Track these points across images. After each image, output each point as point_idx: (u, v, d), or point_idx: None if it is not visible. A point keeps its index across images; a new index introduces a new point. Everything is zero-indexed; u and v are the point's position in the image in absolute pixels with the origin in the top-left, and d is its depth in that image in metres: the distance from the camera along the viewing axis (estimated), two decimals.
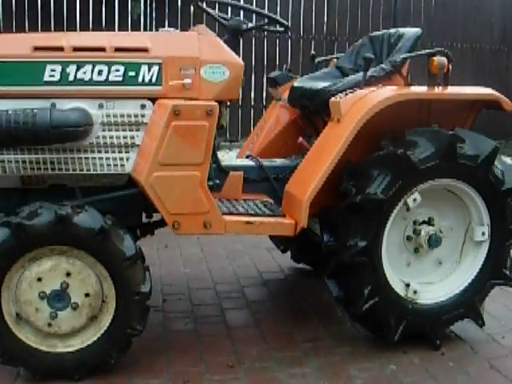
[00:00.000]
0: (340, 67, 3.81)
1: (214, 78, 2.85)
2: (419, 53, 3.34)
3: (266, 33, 8.87)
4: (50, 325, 2.72)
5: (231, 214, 3.00)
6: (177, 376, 2.87)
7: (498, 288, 3.38)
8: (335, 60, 4.02)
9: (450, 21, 9.78)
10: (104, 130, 2.80)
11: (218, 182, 3.21)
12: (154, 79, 2.80)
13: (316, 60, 4.13)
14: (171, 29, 3.21)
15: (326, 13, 9.37)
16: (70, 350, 2.78)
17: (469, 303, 3.19)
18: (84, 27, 8.15)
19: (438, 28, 9.74)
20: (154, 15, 8.41)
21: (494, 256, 3.18)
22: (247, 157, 3.63)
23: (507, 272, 3.21)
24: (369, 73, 3.27)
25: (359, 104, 2.99)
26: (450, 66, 3.12)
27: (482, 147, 3.04)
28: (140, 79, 2.79)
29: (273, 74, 4.05)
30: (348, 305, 3.07)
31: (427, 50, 3.22)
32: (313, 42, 9.33)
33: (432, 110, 3.15)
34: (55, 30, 7.91)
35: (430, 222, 3.16)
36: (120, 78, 2.77)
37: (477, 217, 3.17)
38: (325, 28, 9.38)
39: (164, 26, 8.31)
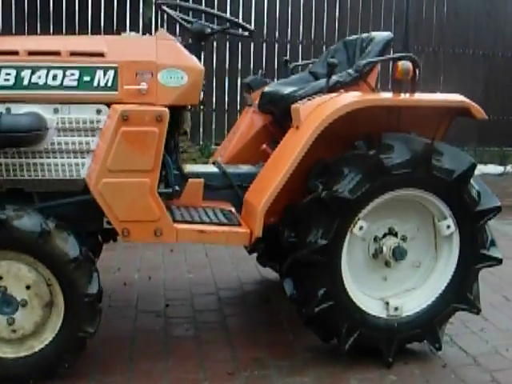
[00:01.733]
0: (313, 72, 3.75)
1: (172, 82, 2.81)
2: (383, 58, 3.28)
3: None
4: (14, 331, 2.71)
5: (184, 222, 2.94)
6: (175, 382, 2.86)
7: (504, 299, 3.34)
8: (310, 65, 3.98)
9: (462, 27, 9.71)
10: (59, 135, 2.78)
11: (177, 188, 3.14)
12: (109, 84, 2.77)
13: (292, 65, 4.09)
14: (132, 33, 3.17)
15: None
16: (23, 354, 2.76)
17: (427, 324, 3.07)
18: (95, 31, 8.16)
19: (449, 35, 9.67)
20: (165, 19, 8.40)
21: (459, 279, 3.07)
22: (213, 163, 3.57)
23: (471, 297, 3.10)
24: (335, 78, 3.24)
25: (317, 111, 2.93)
26: (417, 72, 3.05)
27: (459, 163, 2.94)
28: (95, 84, 2.76)
29: (247, 79, 4.02)
30: (301, 305, 2.96)
31: (393, 55, 3.18)
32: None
33: (402, 116, 3.07)
34: (66, 33, 7.92)
35: (391, 232, 3.07)
36: (75, 83, 2.74)
37: (438, 213, 3.05)
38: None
39: (175, 31, 8.34)
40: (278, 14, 9.09)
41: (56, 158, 2.81)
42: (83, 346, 2.81)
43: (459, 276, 3.06)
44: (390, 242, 3.02)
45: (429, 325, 3.07)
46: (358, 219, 2.88)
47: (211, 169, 3.48)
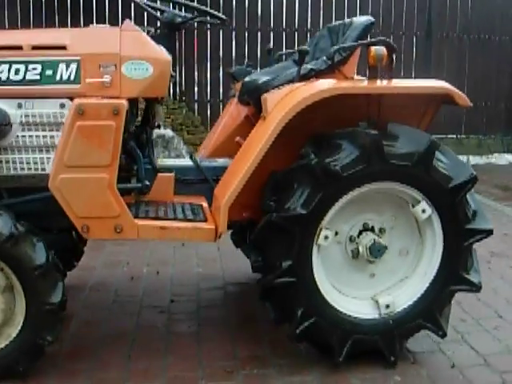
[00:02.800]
0: (296, 61, 3.53)
1: (137, 74, 2.74)
2: (355, 43, 3.09)
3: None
4: None
5: (146, 218, 2.85)
6: (171, 381, 2.80)
7: None
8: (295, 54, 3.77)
9: (488, 13, 9.44)
10: (24, 130, 2.74)
11: (147, 183, 3.08)
12: (72, 77, 2.71)
13: (276, 54, 3.93)
14: (101, 25, 3.08)
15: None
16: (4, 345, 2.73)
17: (426, 313, 2.92)
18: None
19: (475, 21, 9.42)
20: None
21: (450, 260, 2.89)
22: (190, 156, 3.47)
23: (467, 276, 2.91)
24: (309, 66, 3.10)
25: (284, 101, 2.80)
26: (393, 57, 2.90)
27: (417, 143, 2.75)
28: (58, 77, 2.71)
29: (231, 70, 3.89)
30: (287, 324, 2.86)
31: (366, 40, 3.01)
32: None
33: (383, 106, 2.91)
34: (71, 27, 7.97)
35: (367, 228, 2.93)
36: (38, 77, 2.70)
37: (410, 198, 2.87)
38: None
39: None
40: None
41: (21, 153, 2.77)
42: (40, 353, 2.77)
43: (449, 257, 2.88)
44: (365, 241, 2.88)
45: (428, 313, 2.92)
46: (321, 230, 2.76)
47: (185, 162, 3.39)
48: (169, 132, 7.20)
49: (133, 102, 2.94)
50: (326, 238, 2.79)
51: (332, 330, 2.81)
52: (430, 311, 2.92)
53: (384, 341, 2.88)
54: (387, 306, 2.91)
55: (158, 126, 3.37)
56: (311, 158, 2.72)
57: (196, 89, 8.83)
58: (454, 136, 9.43)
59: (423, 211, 2.84)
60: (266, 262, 2.79)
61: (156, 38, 2.94)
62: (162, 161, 3.43)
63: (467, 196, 2.86)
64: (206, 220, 2.90)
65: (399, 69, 9.16)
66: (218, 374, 2.85)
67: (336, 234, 2.89)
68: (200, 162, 3.32)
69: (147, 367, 2.91)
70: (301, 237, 2.70)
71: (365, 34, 3.16)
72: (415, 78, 9.28)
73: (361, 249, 2.88)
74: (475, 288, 2.93)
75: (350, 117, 2.77)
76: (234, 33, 8.84)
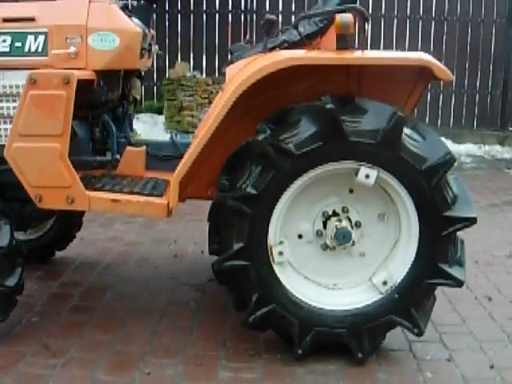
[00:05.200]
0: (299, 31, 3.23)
1: (103, 46, 2.75)
2: (319, 11, 2.86)
3: None
4: None
5: (98, 190, 2.82)
6: (191, 358, 2.74)
7: None
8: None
9: None
10: None
11: (117, 157, 3.07)
12: (39, 49, 2.75)
13: (284, 28, 3.67)
14: None
15: None
16: None
17: (399, 306, 2.67)
18: None
19: None
20: None
21: (427, 250, 2.61)
22: (171, 133, 3.40)
23: (447, 268, 2.64)
24: (283, 37, 2.91)
25: (240, 73, 2.64)
26: (365, 25, 2.72)
27: (382, 119, 2.49)
28: (26, 49, 2.76)
29: (231, 47, 3.68)
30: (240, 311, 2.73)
31: (334, 7, 2.77)
32: None
33: (362, 81, 2.68)
34: None
35: (328, 216, 2.71)
36: (7, 49, 2.76)
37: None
38: None
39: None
40: None
41: None
42: None
43: (425, 246, 2.61)
44: (329, 232, 2.67)
45: (401, 307, 2.67)
46: (271, 248, 2.63)
47: (161, 138, 3.35)
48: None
49: (105, 74, 2.92)
50: (281, 253, 2.66)
51: (292, 320, 2.65)
52: (403, 305, 2.67)
53: (298, 331, 2.66)
54: (384, 283, 2.68)
55: (135, 100, 3.37)
56: (265, 134, 2.55)
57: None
58: None
59: (367, 176, 2.56)
60: (220, 243, 2.66)
61: (134, 10, 2.97)
62: (140, 135, 3.39)
63: (447, 179, 2.60)
64: (162, 195, 2.83)
65: (477, 58, 8.72)
66: (239, 355, 2.76)
67: (300, 237, 2.73)
68: (177, 139, 3.26)
69: (170, 343, 2.87)
70: (252, 219, 2.55)
71: (348, 1, 2.87)
72: (494, 69, 8.80)
73: (328, 242, 2.70)
74: (456, 283, 2.66)
75: (328, 92, 2.58)
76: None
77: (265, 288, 2.62)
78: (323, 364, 2.70)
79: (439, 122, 9.08)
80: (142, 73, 3.50)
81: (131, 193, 2.82)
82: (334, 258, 2.75)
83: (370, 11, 8.55)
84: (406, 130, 2.54)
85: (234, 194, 2.55)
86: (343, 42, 2.61)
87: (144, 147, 3.14)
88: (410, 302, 2.64)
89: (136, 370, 2.63)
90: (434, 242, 2.60)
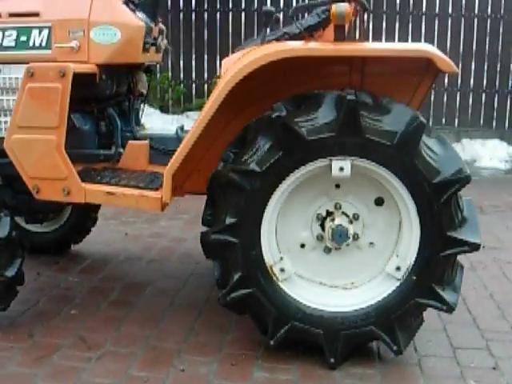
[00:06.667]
0: (319, 14, 3.03)
1: (105, 40, 2.79)
2: (316, 1, 2.75)
3: None
4: None
5: (95, 182, 2.84)
6: (227, 357, 2.69)
7: None
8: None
9: None
10: (2, 94, 2.88)
11: (120, 150, 3.09)
12: (43, 43, 2.81)
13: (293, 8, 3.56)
14: None
15: None
16: None
17: (383, 321, 2.55)
18: None
19: None
20: None
21: (422, 267, 2.50)
22: (180, 128, 3.33)
23: (440, 291, 2.50)
24: (284, 29, 2.82)
25: (234, 65, 2.56)
26: (364, 15, 2.62)
27: (403, 121, 2.37)
28: (31, 44, 2.82)
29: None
30: (222, 289, 2.63)
31: None
32: None
33: (366, 74, 2.56)
34: None
35: (323, 219, 2.62)
36: (13, 43, 2.84)
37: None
38: None
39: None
40: None
41: (0, 116, 2.90)
42: None
43: (422, 262, 2.50)
44: (326, 234, 2.58)
45: (384, 320, 2.54)
46: (271, 267, 2.58)
47: (168, 132, 3.32)
48: None
49: (108, 68, 2.94)
50: (283, 270, 2.60)
51: (316, 331, 2.56)
52: (387, 319, 2.54)
53: (274, 321, 2.58)
54: (398, 268, 2.56)
55: (141, 94, 3.38)
56: (281, 113, 2.46)
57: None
58: None
59: (341, 169, 2.46)
60: (213, 215, 2.59)
61: (141, 5, 2.98)
62: (148, 129, 3.42)
63: (458, 199, 2.46)
64: (157, 189, 2.80)
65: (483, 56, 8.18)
66: (276, 356, 2.69)
67: (303, 246, 2.66)
68: (182, 133, 3.21)
69: (206, 341, 2.83)
70: (250, 196, 2.46)
71: None
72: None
73: (329, 244, 2.60)
74: (446, 307, 2.52)
75: (330, 85, 2.49)
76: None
77: (280, 309, 2.57)
78: (362, 368, 2.61)
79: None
80: (152, 67, 3.54)
81: (127, 186, 2.83)
82: (344, 256, 2.66)
83: (372, 8, 8.19)
84: (426, 139, 2.43)
85: (235, 166, 2.49)
86: (341, 33, 2.51)
87: (147, 141, 3.15)
88: (430, 280, 2.50)
89: (170, 366, 2.60)
90: (431, 261, 2.48)
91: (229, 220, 2.49)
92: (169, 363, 2.63)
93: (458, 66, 7.91)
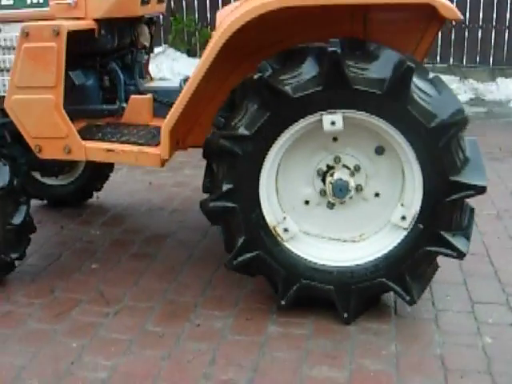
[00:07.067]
0: None
1: None
2: None
3: None
4: None
5: (95, 139, 2.84)
6: (242, 312, 2.72)
7: None
8: None
9: None
10: (4, 54, 2.88)
11: (124, 105, 3.08)
12: (41, 0, 2.82)
13: None
14: None
15: None
16: None
17: (392, 270, 2.50)
18: None
19: None
20: None
21: (428, 214, 2.42)
22: (181, 79, 3.25)
23: (449, 237, 2.42)
24: None
25: (228, 17, 2.47)
26: None
27: (389, 66, 2.28)
28: (29, 1, 2.83)
29: None
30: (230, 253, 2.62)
31: None
32: None
33: (370, 23, 2.46)
34: None
35: (324, 174, 2.58)
36: (11, 2, 2.85)
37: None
38: None
39: None
40: None
41: (3, 75, 2.89)
42: (8, 269, 2.94)
43: (428, 210, 2.43)
44: (327, 190, 2.55)
45: (394, 271, 2.51)
46: (275, 228, 2.56)
47: (173, 85, 3.25)
48: None
49: (107, 22, 2.92)
50: (286, 230, 2.57)
51: (328, 288, 2.55)
52: (397, 269, 2.50)
53: (283, 281, 2.58)
54: (403, 218, 2.50)
55: (144, 47, 3.32)
56: (266, 72, 2.38)
57: None
58: None
59: (333, 123, 2.39)
60: (212, 182, 2.56)
61: None
62: (151, 83, 3.38)
63: (459, 141, 2.34)
64: (157, 145, 2.76)
65: None
66: (291, 310, 2.68)
67: (307, 203, 2.63)
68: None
69: (223, 295, 2.86)
70: (243, 160, 2.43)
71: None
72: None
73: (331, 199, 2.57)
74: (457, 254, 2.45)
75: (331, 36, 2.37)
76: None
77: (288, 269, 2.56)
78: (377, 323, 2.60)
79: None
80: (155, 18, 3.49)
81: (127, 142, 2.83)
82: (351, 209, 2.62)
83: None
84: (419, 82, 2.32)
85: (226, 132, 2.45)
86: None
87: (150, 95, 3.13)
88: (438, 227, 2.44)
89: (186, 321, 2.64)
90: (437, 208, 2.41)
91: (225, 186, 2.48)
92: (185, 318, 2.66)
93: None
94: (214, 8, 8.41)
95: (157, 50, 8.48)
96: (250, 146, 2.42)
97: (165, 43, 8.57)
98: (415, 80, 2.31)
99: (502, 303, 2.75)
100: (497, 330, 2.53)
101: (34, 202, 3.97)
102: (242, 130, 2.40)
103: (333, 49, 2.27)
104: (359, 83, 2.30)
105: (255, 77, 2.37)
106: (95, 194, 4.08)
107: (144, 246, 3.40)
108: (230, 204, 2.50)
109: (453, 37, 7.89)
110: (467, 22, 7.79)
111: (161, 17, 8.46)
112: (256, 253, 2.55)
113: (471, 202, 2.49)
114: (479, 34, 7.86)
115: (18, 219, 2.83)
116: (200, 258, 3.24)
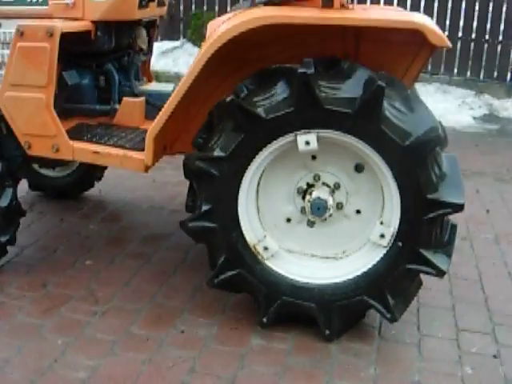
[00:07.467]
0: None
1: None
2: None
3: None
4: None
5: (83, 141, 2.88)
6: (228, 321, 2.74)
7: None
8: None
9: None
10: (3, 49, 2.96)
11: (116, 107, 3.12)
12: None
13: None
14: None
15: None
16: None
17: (372, 287, 2.51)
18: None
19: None
20: None
21: (407, 232, 2.42)
22: (175, 83, 3.25)
23: (428, 255, 2.41)
24: None
25: (217, 30, 2.47)
26: None
27: (360, 85, 2.28)
28: None
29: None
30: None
31: None
32: None
33: (362, 43, 2.47)
34: None
35: (302, 192, 2.60)
36: None
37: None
38: None
39: None
40: None
41: (1, 70, 2.94)
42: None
43: (406, 228, 2.43)
44: (307, 208, 2.56)
45: (374, 288, 2.52)
46: (255, 246, 2.58)
47: (168, 88, 3.25)
48: None
49: (104, 24, 2.98)
50: (266, 248, 2.60)
51: (309, 305, 2.57)
52: (377, 287, 2.50)
53: (264, 298, 2.59)
54: (382, 236, 2.50)
55: (141, 50, 3.35)
56: (241, 93, 2.41)
57: None
58: None
59: (307, 143, 2.41)
60: (193, 201, 2.59)
61: None
62: (148, 86, 3.41)
63: (435, 159, 2.34)
64: (143, 149, 2.77)
65: None
66: (275, 324, 2.70)
67: (289, 220, 2.65)
68: None
69: (211, 302, 2.88)
70: (220, 181, 2.46)
71: None
72: None
73: (311, 218, 2.59)
74: (436, 272, 2.44)
75: (321, 54, 2.41)
76: None
77: (269, 286, 2.58)
78: (359, 343, 2.61)
79: None
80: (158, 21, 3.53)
81: (114, 145, 2.87)
82: (333, 226, 2.63)
83: None
84: (391, 100, 2.32)
85: (202, 154, 2.48)
86: (327, 1, 2.41)
87: (142, 98, 3.18)
88: (417, 245, 2.44)
89: (171, 326, 2.67)
90: (415, 226, 2.41)
91: (204, 207, 2.51)
92: (170, 323, 2.69)
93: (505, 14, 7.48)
94: (235, 4, 8.41)
95: (174, 44, 8.51)
96: (226, 167, 2.44)
97: (184, 37, 8.60)
98: (389, 98, 2.31)
99: (488, 332, 2.74)
100: (478, 360, 2.53)
101: (36, 194, 4.04)
102: (218, 152, 2.42)
103: (302, 70, 2.29)
104: (330, 103, 2.30)
105: (228, 99, 2.40)
106: (98, 188, 4.12)
107: (140, 246, 3.43)
108: (209, 224, 2.53)
109: (471, 50, 7.82)
110: (487, 36, 7.73)
111: (181, 11, 8.50)
112: (237, 271, 2.58)
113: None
114: (498, 49, 7.80)
115: (3, 202, 2.88)
116: (193, 262, 3.27)
